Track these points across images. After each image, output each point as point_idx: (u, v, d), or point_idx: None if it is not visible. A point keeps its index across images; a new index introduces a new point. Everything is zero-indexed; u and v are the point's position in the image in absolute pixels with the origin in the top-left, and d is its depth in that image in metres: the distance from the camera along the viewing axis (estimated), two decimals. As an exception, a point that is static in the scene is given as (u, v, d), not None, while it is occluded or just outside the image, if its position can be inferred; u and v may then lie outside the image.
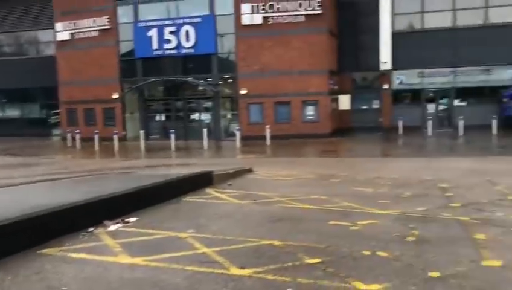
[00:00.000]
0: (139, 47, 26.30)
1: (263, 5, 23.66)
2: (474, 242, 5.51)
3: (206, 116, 26.61)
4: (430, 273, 4.47)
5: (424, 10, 25.95)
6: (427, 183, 10.10)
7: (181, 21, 25.36)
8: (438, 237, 5.78)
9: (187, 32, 25.14)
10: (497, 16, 25.19)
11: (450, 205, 7.74)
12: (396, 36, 26.19)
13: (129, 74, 27.10)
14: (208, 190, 9.47)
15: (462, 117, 23.10)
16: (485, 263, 4.75)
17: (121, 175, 11.80)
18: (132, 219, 6.70)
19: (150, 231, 6.14)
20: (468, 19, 25.32)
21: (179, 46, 25.42)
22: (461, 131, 22.33)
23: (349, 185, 10.01)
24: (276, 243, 5.57)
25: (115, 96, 26.69)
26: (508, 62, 24.68)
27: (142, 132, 23.38)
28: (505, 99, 24.52)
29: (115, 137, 22.43)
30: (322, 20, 23.47)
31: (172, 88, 27.46)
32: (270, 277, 4.48)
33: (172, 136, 21.59)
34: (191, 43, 25.25)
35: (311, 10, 23.25)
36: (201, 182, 9.87)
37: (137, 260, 4.91)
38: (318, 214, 7.17)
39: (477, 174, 11.33)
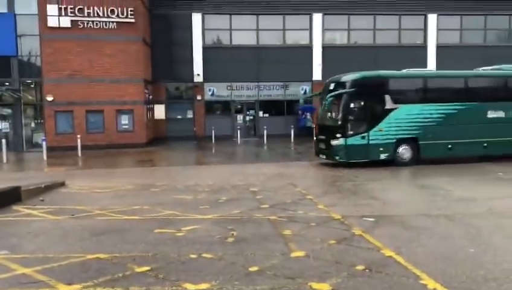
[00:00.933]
0: None
1: (71, 8, 22.34)
2: (283, 237, 6.37)
3: (4, 125, 23.72)
4: (250, 268, 5.06)
5: (232, 28, 27.97)
6: (240, 188, 11.01)
7: (-30, 16, 22.20)
8: (253, 235, 6.49)
9: (-22, 29, 22.17)
10: (293, 39, 28.73)
11: (261, 206, 8.66)
12: (208, 50, 27.61)
13: None
14: (16, 207, 8.69)
15: (265, 127, 25.70)
16: (292, 254, 5.58)
17: None
18: None
19: (-49, 257, 5.42)
20: (270, 39, 28.24)
21: (-32, 44, 22.17)
22: (265, 140, 24.76)
23: (170, 194, 10.28)
24: (102, 256, 5.53)
25: None
26: (301, 79, 28.28)
27: None
28: (299, 112, 28.08)
29: None
30: (136, 29, 23.25)
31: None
32: (100, 289, 4.47)
33: (-38, 147, 18.64)
34: (-16, 42, 22.32)
35: (124, 18, 22.83)
36: (7, 199, 8.97)
37: None
38: (142, 224, 7.27)
39: (281, 178, 12.81)
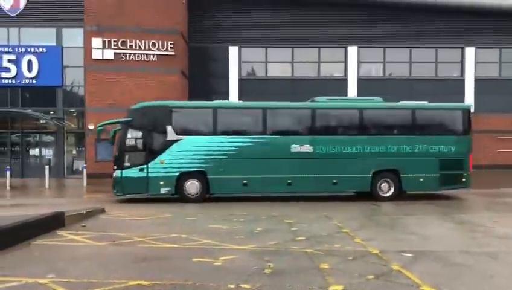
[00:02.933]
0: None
1: (115, 41, 23.42)
2: (320, 271, 6.35)
3: (47, 152, 24.74)
4: (288, 300, 5.08)
5: (268, 60, 28.55)
6: (274, 219, 11.06)
7: (23, 49, 23.58)
8: (290, 268, 6.51)
9: (29, 61, 23.43)
10: (328, 71, 29.00)
11: (297, 238, 8.66)
12: (243, 82, 28.21)
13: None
14: (60, 232, 8.99)
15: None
16: (331, 288, 5.56)
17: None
18: (-22, 268, 6.09)
19: (1, 278, 5.68)
20: (305, 71, 28.62)
21: (19, 75, 23.48)
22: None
23: (206, 223, 10.43)
24: (144, 283, 5.66)
25: None
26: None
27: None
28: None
29: None
30: (175, 62, 24.10)
31: (9, 121, 25.00)
32: (144, 316, 4.59)
33: (8, 173, 19.52)
34: (34, 73, 23.56)
35: (165, 51, 23.75)
36: (52, 224, 9.31)
37: (-5, 311, 4.57)
38: (181, 252, 7.40)
39: (315, 209, 12.76)
